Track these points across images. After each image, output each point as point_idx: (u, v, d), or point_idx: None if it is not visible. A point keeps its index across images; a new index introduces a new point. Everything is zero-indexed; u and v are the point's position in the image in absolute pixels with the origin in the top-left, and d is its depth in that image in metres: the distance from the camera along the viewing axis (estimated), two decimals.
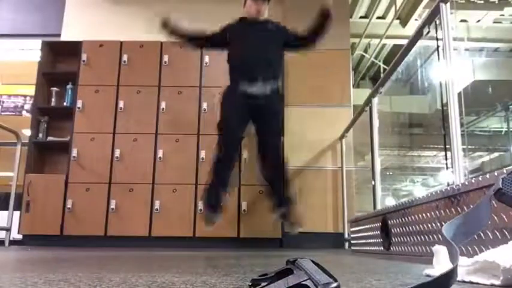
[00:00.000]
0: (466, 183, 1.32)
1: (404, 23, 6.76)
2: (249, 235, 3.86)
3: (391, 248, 2.06)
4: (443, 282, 0.50)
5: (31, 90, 4.49)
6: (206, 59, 4.27)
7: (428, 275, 0.94)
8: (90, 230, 3.89)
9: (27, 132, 4.31)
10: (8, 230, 3.73)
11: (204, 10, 4.69)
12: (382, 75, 3.96)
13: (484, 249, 1.13)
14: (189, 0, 4.79)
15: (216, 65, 4.08)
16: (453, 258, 0.60)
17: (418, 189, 12.15)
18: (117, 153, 4.05)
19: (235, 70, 3.02)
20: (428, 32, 2.11)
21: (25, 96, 5.40)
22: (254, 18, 3.10)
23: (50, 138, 4.27)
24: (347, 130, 4.02)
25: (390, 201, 9.09)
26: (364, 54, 8.14)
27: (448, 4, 1.86)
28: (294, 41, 3.11)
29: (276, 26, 3.19)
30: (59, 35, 4.75)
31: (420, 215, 1.69)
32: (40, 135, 4.25)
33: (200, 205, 3.92)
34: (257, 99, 2.90)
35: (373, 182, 3.01)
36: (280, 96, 3.21)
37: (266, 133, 2.95)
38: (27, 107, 5.35)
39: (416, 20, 6.44)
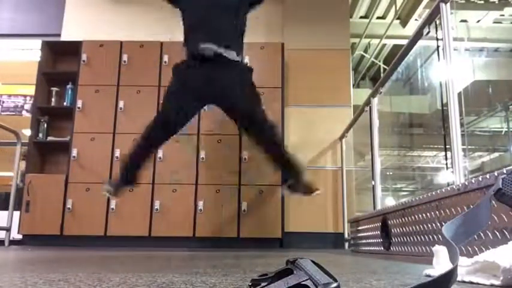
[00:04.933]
0: (466, 183, 1.32)
1: (404, 23, 6.75)
2: (249, 235, 3.86)
3: (391, 248, 2.06)
4: (443, 282, 0.50)
5: (31, 90, 4.49)
6: None
7: (428, 275, 0.94)
8: (90, 230, 3.89)
9: (27, 132, 4.31)
10: (8, 230, 3.73)
11: None
12: (382, 75, 3.96)
13: (484, 249, 1.13)
14: None
15: None
16: (453, 258, 0.60)
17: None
18: (117, 153, 4.05)
19: (186, 38, 2.60)
20: (428, 32, 2.11)
21: (25, 96, 5.39)
22: None
23: (50, 138, 4.27)
24: (347, 130, 4.02)
25: (390, 201, 9.09)
26: (364, 54, 8.13)
27: (448, 4, 1.86)
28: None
29: None
30: (59, 35, 4.76)
31: (420, 215, 1.69)
32: (40, 135, 4.24)
33: (200, 205, 3.93)
34: (218, 71, 2.46)
35: (373, 182, 3.01)
36: (245, 68, 2.66)
37: (243, 119, 2.51)
38: (27, 107, 5.34)
39: (416, 20, 6.44)
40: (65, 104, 4.34)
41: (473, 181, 1.27)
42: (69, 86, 4.33)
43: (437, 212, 1.53)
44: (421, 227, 1.67)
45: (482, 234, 1.17)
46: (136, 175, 2.77)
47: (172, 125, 2.67)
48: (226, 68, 2.49)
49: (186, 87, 2.61)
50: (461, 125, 1.78)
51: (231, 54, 2.49)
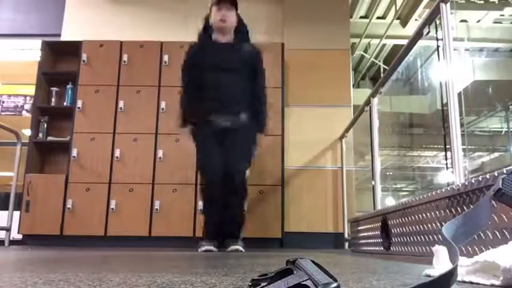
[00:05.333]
0: (466, 183, 1.32)
1: (404, 23, 6.75)
2: (249, 235, 3.85)
3: (391, 248, 2.06)
4: (443, 282, 0.50)
5: (31, 90, 4.49)
6: None
7: (428, 275, 0.94)
8: (90, 230, 3.89)
9: (27, 132, 4.31)
10: (8, 230, 3.73)
11: (202, 10, 4.68)
12: (382, 75, 3.96)
13: (484, 249, 1.13)
14: (189, 0, 4.79)
15: None
16: (453, 258, 0.60)
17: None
18: (117, 153, 4.05)
19: (201, 102, 2.94)
20: (428, 32, 2.11)
21: (25, 96, 5.39)
22: (221, 33, 2.98)
23: (50, 138, 4.27)
24: (347, 130, 4.02)
25: (390, 201, 9.09)
26: (364, 54, 8.14)
27: (448, 4, 1.86)
28: (255, 77, 3.04)
29: (249, 52, 3.05)
30: (59, 35, 4.76)
31: (420, 215, 1.69)
32: (40, 135, 4.25)
33: (200, 205, 3.92)
34: (225, 128, 2.88)
35: (373, 182, 3.01)
36: (255, 124, 3.03)
37: (230, 154, 2.87)
38: (27, 107, 5.34)
39: (416, 20, 6.44)
40: (65, 104, 4.34)
41: (473, 181, 1.27)
42: (69, 86, 4.33)
43: (437, 212, 1.53)
44: (421, 227, 1.67)
45: (482, 234, 1.16)
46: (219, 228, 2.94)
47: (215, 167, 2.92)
48: (237, 128, 2.93)
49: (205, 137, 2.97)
50: (461, 125, 1.78)
51: (241, 121, 2.93)
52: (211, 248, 2.75)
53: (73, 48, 4.34)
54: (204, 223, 2.94)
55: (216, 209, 2.88)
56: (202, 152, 2.98)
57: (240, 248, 2.79)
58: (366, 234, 2.65)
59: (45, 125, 4.28)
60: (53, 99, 4.40)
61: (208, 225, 2.91)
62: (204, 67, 2.98)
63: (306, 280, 0.46)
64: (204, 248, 2.76)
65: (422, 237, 1.67)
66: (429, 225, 1.60)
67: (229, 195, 2.86)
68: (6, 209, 3.83)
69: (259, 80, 3.09)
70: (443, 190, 1.49)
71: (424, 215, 1.66)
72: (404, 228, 1.87)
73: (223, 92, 2.92)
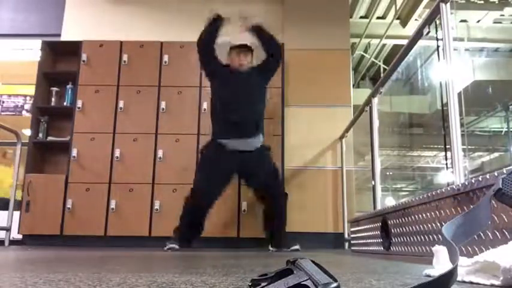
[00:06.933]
0: (466, 183, 1.32)
1: (404, 23, 6.75)
2: (249, 235, 3.86)
3: (391, 248, 2.06)
4: (443, 282, 0.50)
5: (31, 90, 4.49)
6: None
7: (428, 275, 0.94)
8: (90, 230, 3.89)
9: (27, 132, 4.31)
10: (8, 230, 3.73)
11: (202, 10, 4.68)
12: (382, 75, 3.96)
13: (484, 249, 1.13)
14: (189, 0, 4.80)
15: None
16: (453, 258, 0.60)
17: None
18: (117, 153, 4.05)
19: (220, 124, 3.14)
20: (428, 32, 2.11)
21: (25, 96, 5.39)
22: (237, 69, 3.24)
23: (50, 138, 4.27)
24: (347, 130, 4.02)
25: (390, 201, 9.09)
26: (364, 54, 8.13)
27: (448, 4, 1.86)
28: (266, 66, 3.26)
29: (255, 70, 3.30)
30: (59, 35, 4.75)
31: (420, 215, 1.69)
32: (40, 135, 4.24)
33: None
34: (245, 154, 3.04)
35: (373, 182, 3.01)
36: (267, 148, 3.29)
37: (264, 188, 3.14)
38: (27, 107, 5.34)
39: (416, 20, 6.43)
40: (65, 104, 4.34)
41: (473, 181, 1.27)
42: (69, 86, 4.33)
43: (437, 212, 1.53)
44: (421, 227, 1.67)
45: (482, 234, 1.16)
46: (196, 235, 3.18)
47: (212, 195, 3.13)
48: (253, 152, 3.10)
49: (217, 167, 3.11)
50: (461, 125, 1.78)
51: (257, 143, 3.12)
52: (176, 246, 2.93)
53: (73, 48, 4.34)
54: (180, 227, 3.11)
55: (197, 222, 3.09)
56: (204, 175, 3.13)
57: (297, 247, 3.06)
58: (365, 234, 2.65)
59: (45, 125, 4.28)
60: (53, 99, 4.40)
61: (185, 232, 3.08)
62: (220, 88, 3.22)
63: (306, 280, 0.46)
64: (169, 246, 2.93)
65: (422, 237, 1.67)
66: (429, 225, 1.60)
67: (276, 215, 3.18)
68: (6, 209, 3.83)
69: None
70: (443, 190, 1.49)
71: (424, 215, 1.66)
72: (404, 228, 1.87)
73: (240, 115, 3.10)
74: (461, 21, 6.84)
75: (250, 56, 3.27)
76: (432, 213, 1.57)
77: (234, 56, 3.23)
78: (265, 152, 3.22)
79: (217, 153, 3.07)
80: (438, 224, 1.51)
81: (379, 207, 2.84)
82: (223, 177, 3.09)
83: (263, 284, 0.49)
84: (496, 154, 10.14)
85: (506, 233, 1.07)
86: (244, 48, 3.25)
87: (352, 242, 3.20)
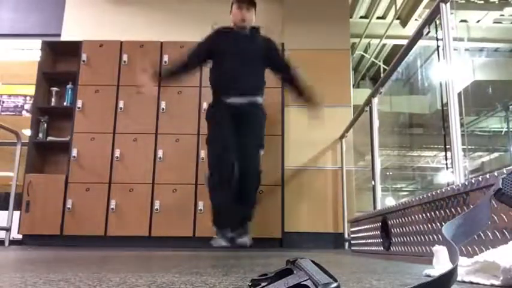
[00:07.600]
0: (466, 183, 1.32)
1: (404, 23, 6.75)
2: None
3: (391, 248, 2.06)
4: (443, 282, 0.50)
5: (31, 90, 4.49)
6: None
7: (428, 275, 0.94)
8: (90, 230, 3.89)
9: (27, 132, 4.31)
10: (8, 230, 3.73)
11: (202, 10, 4.69)
12: (382, 75, 3.95)
13: (484, 249, 1.13)
14: (189, 0, 4.79)
15: None
16: (453, 258, 0.60)
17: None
18: (117, 153, 4.05)
19: (218, 85, 3.13)
20: (428, 32, 2.11)
21: (25, 96, 5.39)
22: (240, 27, 3.17)
23: (50, 138, 4.27)
24: (347, 130, 4.02)
25: (390, 201, 9.09)
26: (364, 54, 8.13)
27: (448, 4, 1.86)
28: (277, 65, 3.28)
29: (264, 42, 3.27)
30: (59, 35, 4.75)
31: (420, 215, 1.69)
32: (40, 135, 4.25)
33: (200, 205, 3.93)
34: (239, 109, 3.01)
35: (373, 182, 3.01)
36: (263, 111, 3.24)
37: (245, 145, 3.01)
38: (27, 107, 5.34)
39: (416, 20, 6.44)
40: (65, 104, 4.34)
41: (473, 181, 1.27)
42: (69, 86, 4.33)
43: (437, 212, 1.53)
44: (421, 227, 1.67)
45: (482, 234, 1.16)
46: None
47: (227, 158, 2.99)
48: (252, 107, 3.10)
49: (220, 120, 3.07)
50: (461, 125, 1.78)
51: (257, 101, 3.13)
52: (224, 243, 2.88)
53: (73, 48, 4.34)
54: (212, 212, 3.03)
55: (225, 196, 2.95)
56: (215, 142, 3.06)
57: (248, 243, 2.96)
58: (365, 234, 2.65)
59: (45, 125, 4.28)
60: (53, 99, 4.40)
61: (218, 214, 3.00)
62: (222, 53, 3.14)
63: (306, 280, 0.46)
64: (217, 244, 2.89)
65: (422, 237, 1.67)
66: (429, 225, 1.60)
67: (246, 190, 3.01)
68: (6, 209, 3.83)
69: (288, 66, 3.34)
70: (443, 190, 1.49)
71: (424, 215, 1.66)
72: (404, 228, 1.87)
73: (241, 76, 3.08)
74: (461, 21, 6.85)
75: (254, 11, 3.21)
76: (432, 213, 1.57)
77: (236, 10, 3.16)
78: (262, 114, 3.18)
79: (217, 108, 3.08)
80: (438, 224, 1.51)
81: (379, 207, 2.85)
82: (228, 129, 3.01)
83: (263, 284, 0.49)
84: (496, 154, 10.14)
85: (506, 233, 1.07)
86: (247, 2, 3.17)
87: (352, 242, 3.20)
